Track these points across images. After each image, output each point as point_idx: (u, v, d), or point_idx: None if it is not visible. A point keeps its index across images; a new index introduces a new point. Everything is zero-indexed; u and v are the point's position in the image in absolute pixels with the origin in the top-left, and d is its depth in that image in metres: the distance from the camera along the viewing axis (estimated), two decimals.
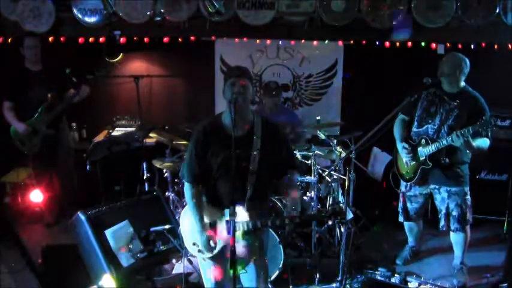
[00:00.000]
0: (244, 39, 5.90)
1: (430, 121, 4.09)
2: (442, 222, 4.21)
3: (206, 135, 2.99)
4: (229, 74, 2.97)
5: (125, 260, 3.71)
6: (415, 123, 4.19)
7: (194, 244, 3.06)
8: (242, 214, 2.88)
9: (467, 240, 4.24)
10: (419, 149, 4.09)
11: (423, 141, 4.07)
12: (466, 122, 3.86)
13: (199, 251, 3.05)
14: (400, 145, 4.22)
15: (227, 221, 2.88)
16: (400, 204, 4.43)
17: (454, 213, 4.12)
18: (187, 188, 3.07)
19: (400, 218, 4.47)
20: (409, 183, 4.29)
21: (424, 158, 4.07)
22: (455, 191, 4.10)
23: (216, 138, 2.96)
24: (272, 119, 3.39)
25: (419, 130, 4.15)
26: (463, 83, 4.03)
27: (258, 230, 2.97)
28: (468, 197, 4.14)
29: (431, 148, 3.99)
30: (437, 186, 4.18)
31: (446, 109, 4.01)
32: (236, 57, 5.94)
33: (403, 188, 4.39)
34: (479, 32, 5.47)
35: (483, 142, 3.88)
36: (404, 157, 4.20)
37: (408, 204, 4.38)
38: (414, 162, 4.16)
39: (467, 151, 3.99)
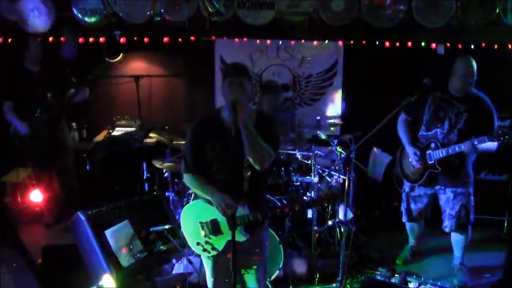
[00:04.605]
0: (244, 39, 5.90)
1: (438, 125, 4.06)
2: (445, 223, 4.20)
3: (204, 128, 2.98)
4: (226, 73, 2.95)
5: (125, 260, 3.70)
6: (423, 126, 4.16)
7: (198, 244, 3.05)
8: (242, 208, 2.88)
9: (468, 241, 4.24)
10: (429, 152, 4.08)
11: (432, 145, 4.06)
12: (476, 125, 3.86)
13: (204, 249, 3.04)
14: (411, 150, 4.17)
15: (228, 216, 2.88)
16: (404, 205, 4.41)
17: (459, 213, 4.10)
18: (188, 178, 3.03)
19: (403, 219, 4.46)
20: (413, 184, 4.28)
21: (433, 162, 4.05)
22: (460, 192, 4.10)
23: (214, 132, 2.95)
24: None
25: (428, 134, 4.13)
26: None
27: (258, 223, 2.97)
28: (472, 197, 4.13)
29: (441, 153, 3.98)
30: (442, 187, 4.16)
31: (455, 113, 3.99)
32: (236, 57, 5.93)
33: (406, 189, 4.37)
34: (479, 32, 5.47)
35: (492, 145, 3.85)
36: (413, 161, 4.18)
37: (412, 205, 4.36)
38: (421, 165, 4.14)
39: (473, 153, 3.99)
